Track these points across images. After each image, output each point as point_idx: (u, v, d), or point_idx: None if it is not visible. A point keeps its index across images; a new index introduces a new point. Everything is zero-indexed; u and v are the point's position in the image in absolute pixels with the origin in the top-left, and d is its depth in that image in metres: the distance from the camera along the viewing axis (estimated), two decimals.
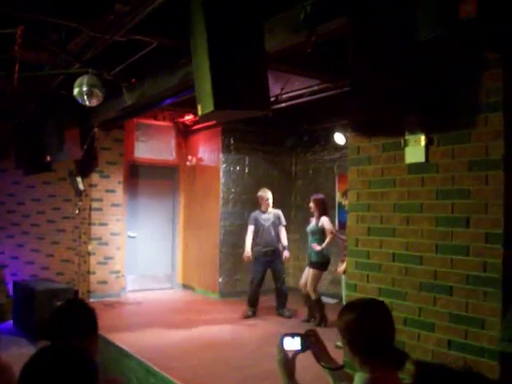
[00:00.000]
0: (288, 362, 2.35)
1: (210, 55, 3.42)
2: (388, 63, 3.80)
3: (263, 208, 8.42)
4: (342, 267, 6.85)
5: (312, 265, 7.64)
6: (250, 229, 8.37)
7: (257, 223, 8.34)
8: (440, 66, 3.45)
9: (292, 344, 2.37)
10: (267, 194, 8.41)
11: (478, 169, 3.19)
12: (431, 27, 2.39)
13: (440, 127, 3.45)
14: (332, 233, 7.57)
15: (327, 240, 7.55)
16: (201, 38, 3.51)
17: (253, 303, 8.22)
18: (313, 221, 7.83)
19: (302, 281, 7.79)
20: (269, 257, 8.22)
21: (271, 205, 8.42)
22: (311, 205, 7.83)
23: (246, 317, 8.07)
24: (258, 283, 8.19)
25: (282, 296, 8.26)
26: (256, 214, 8.46)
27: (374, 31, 3.92)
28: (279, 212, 8.49)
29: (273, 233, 8.30)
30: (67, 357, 1.70)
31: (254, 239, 8.33)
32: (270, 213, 8.40)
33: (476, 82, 3.20)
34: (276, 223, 8.36)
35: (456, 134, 3.33)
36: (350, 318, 2.17)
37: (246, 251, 8.30)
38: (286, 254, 8.28)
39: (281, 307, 8.26)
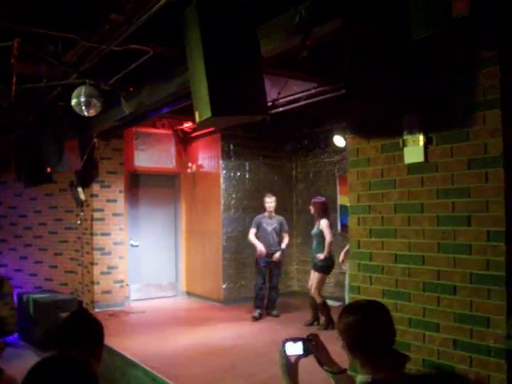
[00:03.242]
0: (291, 367, 2.34)
1: (205, 62, 3.42)
2: (384, 63, 3.80)
3: (267, 213, 8.57)
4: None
5: (316, 268, 7.65)
6: (252, 231, 8.52)
7: (259, 227, 8.50)
8: (436, 65, 3.44)
9: (294, 349, 2.36)
10: (267, 199, 8.56)
11: (478, 167, 3.18)
12: (424, 26, 2.39)
13: (438, 126, 3.44)
14: (330, 243, 7.57)
15: (326, 249, 7.57)
16: (196, 45, 3.51)
17: (258, 304, 8.42)
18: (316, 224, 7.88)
19: (309, 284, 7.82)
20: (269, 258, 8.37)
21: (272, 209, 8.53)
22: (310, 207, 7.90)
23: (253, 319, 8.27)
24: (261, 284, 8.41)
25: (271, 298, 8.54)
26: (260, 217, 8.62)
27: (369, 32, 3.91)
28: (283, 219, 8.67)
29: (275, 238, 8.50)
30: (66, 368, 1.69)
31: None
32: (274, 218, 8.57)
33: (473, 79, 3.20)
34: (278, 229, 8.53)
35: (454, 132, 3.32)
36: (349, 321, 2.17)
37: (259, 249, 8.34)
38: (277, 254, 8.40)
39: (270, 308, 8.55)
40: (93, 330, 2.61)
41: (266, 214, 8.60)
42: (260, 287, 8.39)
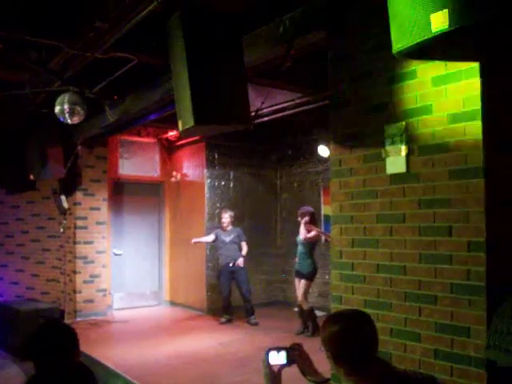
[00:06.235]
0: (274, 376, 2.33)
1: (189, 71, 3.43)
2: (366, 75, 3.83)
3: (223, 226, 9.06)
4: None
5: (303, 276, 7.69)
6: (209, 237, 9.11)
7: (217, 238, 9.01)
8: (417, 76, 3.48)
9: (277, 358, 2.35)
10: (223, 214, 9.10)
11: (459, 177, 3.21)
12: (404, 39, 2.41)
13: (420, 137, 3.47)
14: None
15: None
16: (180, 54, 3.52)
17: (226, 311, 8.91)
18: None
19: (297, 293, 7.86)
20: (231, 268, 8.81)
21: (227, 224, 8.99)
22: (299, 219, 7.89)
23: (220, 323, 8.78)
24: (226, 293, 8.87)
25: (246, 305, 8.81)
26: (218, 231, 9.10)
27: (351, 44, 3.95)
28: (240, 230, 9.09)
29: (234, 248, 8.91)
30: None
31: (217, 254, 9.15)
32: (230, 231, 9.00)
33: (454, 91, 3.24)
34: (236, 241, 8.96)
35: (435, 143, 3.35)
36: (333, 330, 2.16)
37: (201, 240, 9.16)
38: (239, 260, 8.80)
39: (247, 315, 8.78)
40: (64, 338, 2.56)
41: (221, 227, 9.07)
42: (225, 296, 8.86)
